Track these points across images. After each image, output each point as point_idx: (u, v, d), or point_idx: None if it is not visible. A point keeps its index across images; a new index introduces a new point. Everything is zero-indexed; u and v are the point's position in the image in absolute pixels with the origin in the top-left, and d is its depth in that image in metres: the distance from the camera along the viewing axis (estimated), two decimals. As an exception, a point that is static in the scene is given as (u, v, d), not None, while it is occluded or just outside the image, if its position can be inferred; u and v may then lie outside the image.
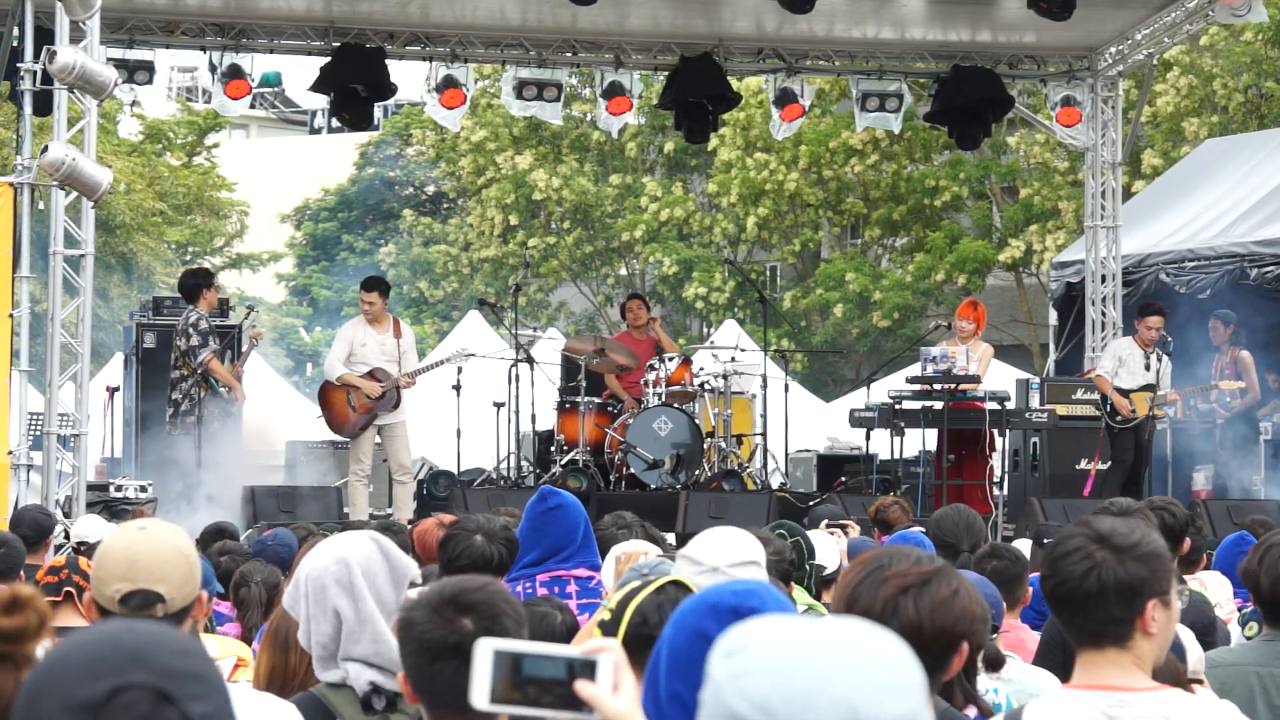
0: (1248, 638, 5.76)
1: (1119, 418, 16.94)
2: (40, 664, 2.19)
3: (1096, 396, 17.33)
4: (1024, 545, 9.70)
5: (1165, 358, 17.00)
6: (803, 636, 2.12)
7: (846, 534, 9.42)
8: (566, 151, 40.51)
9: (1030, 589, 6.83)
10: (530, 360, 17.23)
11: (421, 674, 3.16)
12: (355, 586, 4.03)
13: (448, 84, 18.83)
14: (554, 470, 16.89)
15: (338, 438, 17.47)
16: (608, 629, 3.62)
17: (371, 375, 16.44)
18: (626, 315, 18.59)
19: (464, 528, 6.08)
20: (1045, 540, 10.25)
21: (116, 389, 19.17)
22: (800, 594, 6.82)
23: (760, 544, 4.50)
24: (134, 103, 35.46)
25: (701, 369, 18.16)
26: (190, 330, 16.19)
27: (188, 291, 16.63)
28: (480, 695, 2.43)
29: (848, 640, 2.12)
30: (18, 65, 14.16)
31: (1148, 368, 17.06)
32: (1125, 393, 16.90)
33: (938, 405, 16.24)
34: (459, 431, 17.35)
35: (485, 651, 2.44)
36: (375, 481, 17.73)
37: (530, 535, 6.38)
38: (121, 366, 19.27)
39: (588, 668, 2.43)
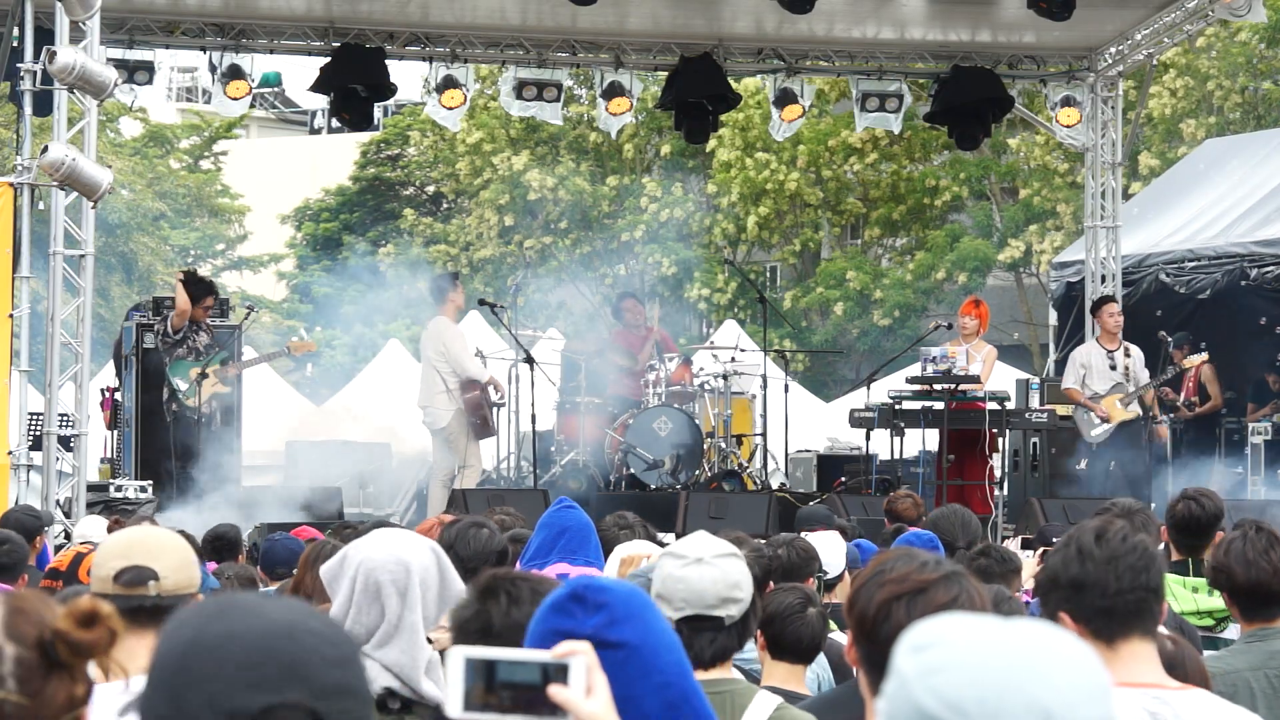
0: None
1: (1094, 432, 16.91)
2: (191, 652, 2.13)
3: (1073, 411, 17.21)
4: (1014, 545, 9.73)
5: (1136, 351, 16.96)
6: (996, 635, 2.07)
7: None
8: (564, 153, 40.47)
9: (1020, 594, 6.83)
10: (530, 360, 17.22)
11: None
12: (409, 593, 4.00)
13: (448, 84, 18.83)
14: (554, 470, 16.88)
15: (337, 437, 17.44)
16: None
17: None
18: (624, 314, 18.46)
19: (473, 523, 6.17)
20: (1055, 539, 10.28)
21: (117, 389, 19.13)
22: None
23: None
24: (139, 109, 35.50)
25: (701, 369, 18.15)
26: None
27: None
28: (454, 704, 2.40)
29: (1041, 643, 2.07)
30: (18, 65, 14.18)
31: (1113, 367, 16.97)
32: (1097, 399, 16.88)
33: (938, 405, 16.22)
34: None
35: (457, 659, 2.41)
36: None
37: (540, 529, 6.44)
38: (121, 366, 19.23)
39: (561, 671, 2.42)
